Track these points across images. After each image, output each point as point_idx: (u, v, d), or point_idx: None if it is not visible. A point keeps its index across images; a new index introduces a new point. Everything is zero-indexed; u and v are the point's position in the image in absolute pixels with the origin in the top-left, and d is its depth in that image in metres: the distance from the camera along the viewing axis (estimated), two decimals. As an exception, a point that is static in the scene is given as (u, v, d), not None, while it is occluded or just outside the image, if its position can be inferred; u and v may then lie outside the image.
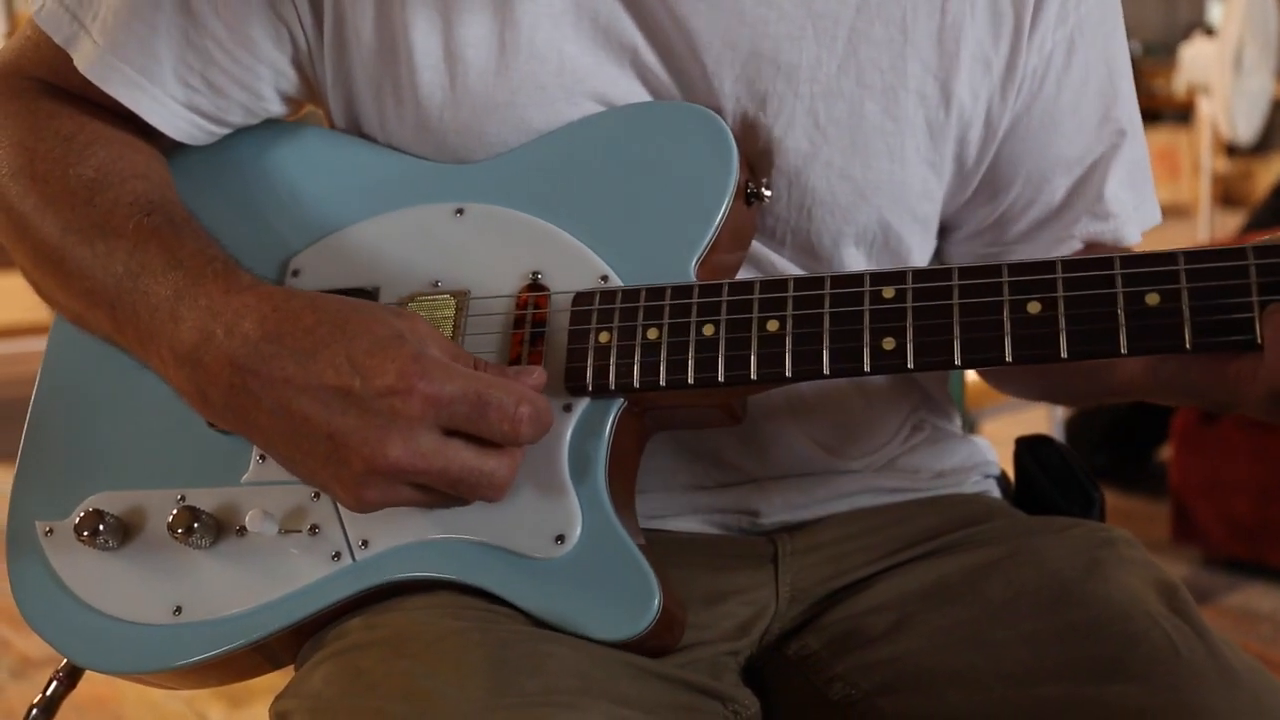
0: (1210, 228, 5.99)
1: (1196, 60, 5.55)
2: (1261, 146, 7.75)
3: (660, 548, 0.87)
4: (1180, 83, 6.19)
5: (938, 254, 1.03)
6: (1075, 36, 0.93)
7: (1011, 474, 1.07)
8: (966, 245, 1.01)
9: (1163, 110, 9.52)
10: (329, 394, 0.74)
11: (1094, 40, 0.94)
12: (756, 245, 0.92)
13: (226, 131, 0.95)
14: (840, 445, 0.97)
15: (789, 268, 0.93)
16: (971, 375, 1.40)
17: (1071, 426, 3.61)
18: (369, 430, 0.73)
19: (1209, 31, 7.80)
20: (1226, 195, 7.53)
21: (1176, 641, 0.78)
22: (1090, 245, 0.98)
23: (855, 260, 0.94)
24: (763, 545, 0.93)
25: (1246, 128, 5.31)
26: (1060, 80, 0.94)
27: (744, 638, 0.89)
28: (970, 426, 2.90)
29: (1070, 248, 0.97)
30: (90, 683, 0.95)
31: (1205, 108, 5.64)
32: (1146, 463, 3.56)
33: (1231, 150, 7.48)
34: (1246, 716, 0.72)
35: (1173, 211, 9.33)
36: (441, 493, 0.76)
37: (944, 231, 1.02)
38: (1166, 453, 3.17)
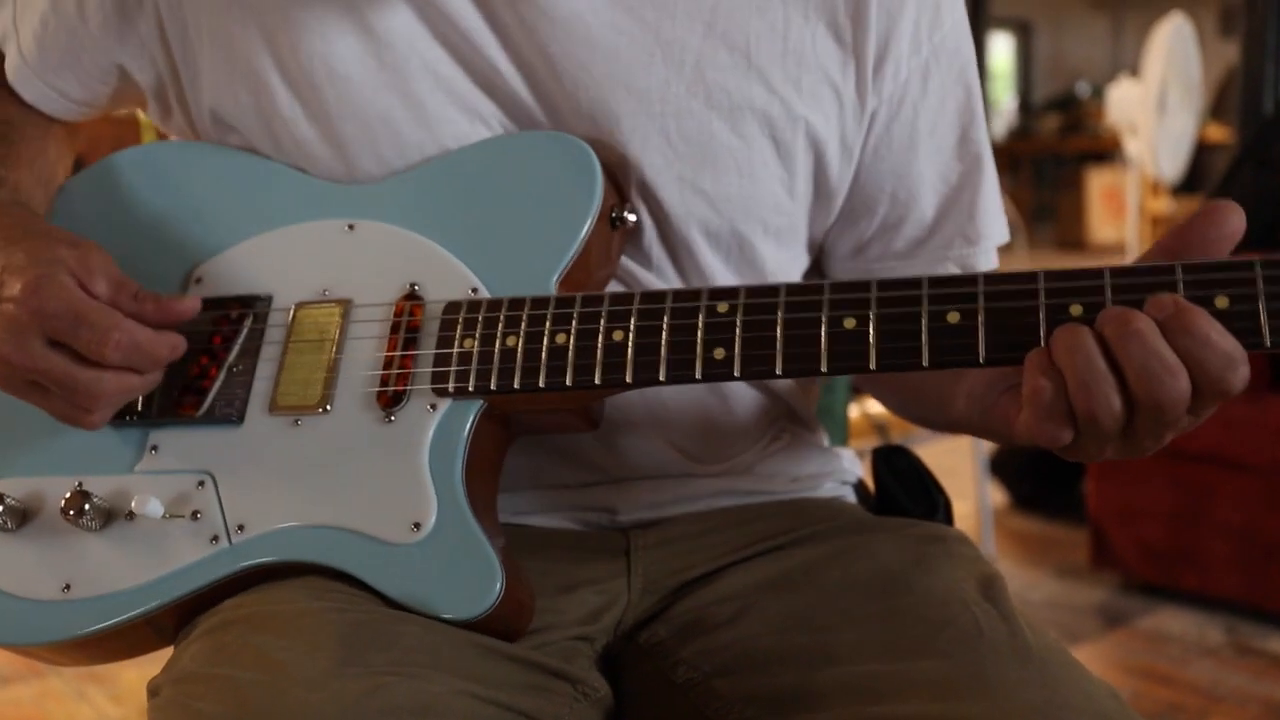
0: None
1: (1122, 102, 5.68)
2: (1193, 186, 7.90)
3: (522, 541, 0.94)
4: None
5: (824, 276, 1.08)
6: (931, 63, 1.00)
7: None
8: (850, 264, 1.06)
9: (1108, 150, 9.69)
10: None
11: (950, 66, 1.01)
12: (625, 260, 0.99)
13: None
14: (698, 451, 1.03)
15: (652, 280, 0.99)
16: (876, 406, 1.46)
17: (997, 458, 3.70)
18: None
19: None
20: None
21: (982, 624, 0.84)
22: (964, 270, 1.02)
23: (714, 268, 1.00)
24: (617, 539, 0.99)
25: (1171, 167, 5.44)
26: (917, 104, 1.00)
27: (595, 624, 0.95)
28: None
29: (945, 270, 1.02)
30: (17, 705, 1.00)
31: (1132, 148, 5.76)
32: (1068, 492, 3.64)
33: (1177, 191, 7.62)
34: (1033, 685, 0.79)
35: (1117, 250, 9.42)
36: (62, 400, 0.89)
37: (825, 253, 1.07)
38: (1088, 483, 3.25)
